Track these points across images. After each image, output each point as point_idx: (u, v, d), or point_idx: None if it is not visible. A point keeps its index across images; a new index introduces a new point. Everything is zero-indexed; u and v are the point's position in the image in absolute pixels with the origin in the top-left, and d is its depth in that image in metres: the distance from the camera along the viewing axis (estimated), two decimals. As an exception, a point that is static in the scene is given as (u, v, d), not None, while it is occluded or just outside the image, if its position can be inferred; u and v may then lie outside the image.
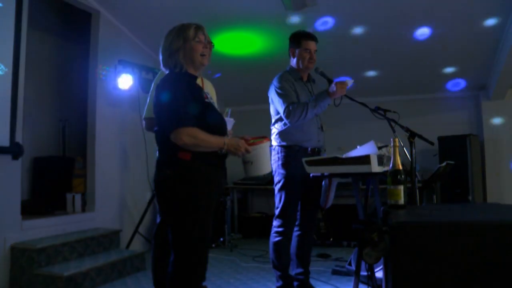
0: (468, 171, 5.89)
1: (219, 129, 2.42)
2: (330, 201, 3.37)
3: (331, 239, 5.99)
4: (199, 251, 2.31)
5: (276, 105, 3.37)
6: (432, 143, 3.06)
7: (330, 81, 3.36)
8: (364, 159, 2.72)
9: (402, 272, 1.59)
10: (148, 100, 3.33)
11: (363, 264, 3.13)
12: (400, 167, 2.20)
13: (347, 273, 4.16)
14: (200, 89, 2.44)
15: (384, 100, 5.28)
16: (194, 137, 2.22)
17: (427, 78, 6.17)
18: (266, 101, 3.54)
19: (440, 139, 6.03)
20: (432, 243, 1.57)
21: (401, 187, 2.18)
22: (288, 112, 3.22)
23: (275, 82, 3.40)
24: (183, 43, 2.40)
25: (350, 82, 3.21)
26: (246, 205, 7.51)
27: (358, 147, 2.99)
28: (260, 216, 6.97)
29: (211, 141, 2.29)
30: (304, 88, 3.49)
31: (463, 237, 1.55)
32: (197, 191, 2.29)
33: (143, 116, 3.34)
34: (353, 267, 3.32)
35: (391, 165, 2.19)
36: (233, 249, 5.73)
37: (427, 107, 6.65)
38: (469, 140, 5.96)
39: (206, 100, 2.42)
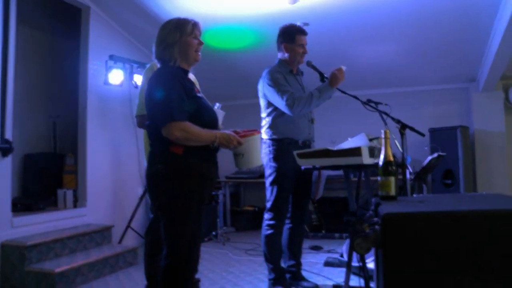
0: (459, 163, 5.93)
1: (211, 123, 2.42)
2: (320, 192, 3.38)
3: (323, 232, 6.02)
4: (191, 245, 2.32)
5: (272, 98, 3.35)
6: (423, 135, 3.06)
7: (321, 74, 3.38)
8: (355, 151, 2.72)
9: (393, 262, 1.59)
10: (139, 98, 3.26)
11: (355, 256, 3.15)
12: (391, 159, 2.21)
13: (339, 265, 4.18)
14: (192, 84, 2.44)
15: (376, 93, 5.29)
16: (185, 131, 2.22)
17: (418, 70, 6.20)
18: (257, 95, 3.53)
19: (431, 131, 6.07)
20: (423, 233, 1.57)
21: (392, 178, 2.19)
22: (291, 103, 3.21)
23: (266, 76, 3.39)
24: (179, 37, 2.39)
25: (344, 68, 3.25)
26: (239, 198, 7.53)
27: (349, 139, 3.00)
28: (252, 209, 6.99)
29: (202, 134, 2.29)
30: (295, 81, 3.50)
31: (454, 227, 1.56)
32: (189, 185, 2.29)
33: (135, 114, 3.28)
34: (345, 259, 3.34)
35: (382, 156, 2.20)
36: (226, 242, 5.73)
37: (418, 99, 6.68)
38: (459, 132, 6.00)
39: (198, 94, 2.43)
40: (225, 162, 3.39)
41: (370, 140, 2.89)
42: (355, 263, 3.27)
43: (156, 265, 2.87)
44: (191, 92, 2.36)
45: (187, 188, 2.28)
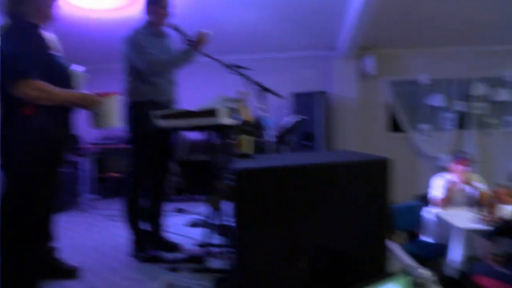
0: (318, 125, 6.35)
1: (64, 82, 2.31)
2: (182, 154, 3.41)
3: (186, 194, 6.14)
4: (43, 210, 2.24)
5: (134, 60, 3.28)
6: (281, 97, 3.22)
7: (186, 37, 3.36)
8: (212, 112, 2.77)
9: (245, 213, 1.71)
10: None
11: (218, 215, 3.26)
12: (249, 119, 2.31)
13: (203, 225, 4.29)
14: (45, 41, 2.30)
15: (241, 58, 5.38)
16: (38, 89, 2.11)
17: (282, 37, 6.43)
18: (121, 58, 3.42)
19: (293, 95, 6.40)
20: (269, 185, 1.71)
21: (249, 138, 2.30)
22: (154, 65, 3.20)
23: (130, 38, 3.30)
24: None
25: (209, 31, 3.27)
26: (104, 165, 7.29)
27: (208, 100, 3.05)
28: (117, 175, 6.84)
29: (59, 94, 2.19)
30: (159, 43, 3.44)
31: (293, 178, 1.72)
32: (39, 147, 2.19)
33: None
34: (206, 219, 3.44)
35: (240, 117, 2.29)
36: (90, 210, 5.59)
37: (282, 65, 6.97)
38: (319, 97, 6.41)
39: (52, 52, 2.30)
40: (89, 128, 3.27)
41: (230, 101, 2.97)
42: (217, 222, 3.40)
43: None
44: (44, 49, 2.23)
45: (37, 149, 2.17)
